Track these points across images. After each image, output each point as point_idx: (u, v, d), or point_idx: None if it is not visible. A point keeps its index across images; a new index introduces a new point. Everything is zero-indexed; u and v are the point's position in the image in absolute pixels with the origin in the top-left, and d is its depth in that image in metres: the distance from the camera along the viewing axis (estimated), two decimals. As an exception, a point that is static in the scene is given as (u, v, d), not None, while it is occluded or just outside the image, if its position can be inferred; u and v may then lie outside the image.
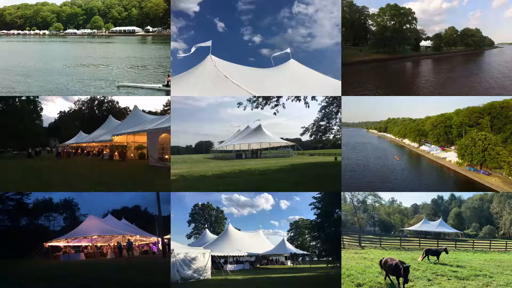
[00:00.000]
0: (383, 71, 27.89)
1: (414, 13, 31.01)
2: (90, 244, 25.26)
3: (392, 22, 30.54)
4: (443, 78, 26.27)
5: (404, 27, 30.86)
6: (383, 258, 13.78)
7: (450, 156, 25.17)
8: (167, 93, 22.71)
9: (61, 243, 25.01)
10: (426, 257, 18.30)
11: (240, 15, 24.73)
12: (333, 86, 19.08)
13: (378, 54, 29.90)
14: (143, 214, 31.80)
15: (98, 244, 25.52)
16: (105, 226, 25.88)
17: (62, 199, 30.96)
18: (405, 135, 35.14)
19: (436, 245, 24.80)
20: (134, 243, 25.38)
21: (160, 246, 24.34)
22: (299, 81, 21.08)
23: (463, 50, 33.24)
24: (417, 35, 32.10)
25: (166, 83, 22.47)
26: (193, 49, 20.59)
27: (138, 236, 26.61)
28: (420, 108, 32.00)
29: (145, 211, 32.32)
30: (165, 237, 22.99)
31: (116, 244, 24.89)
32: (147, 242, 26.99)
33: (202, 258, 18.56)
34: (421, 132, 31.78)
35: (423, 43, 33.04)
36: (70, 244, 25.08)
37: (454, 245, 24.74)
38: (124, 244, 24.18)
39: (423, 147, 30.48)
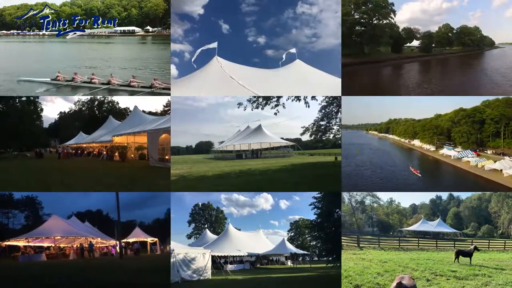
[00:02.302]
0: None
1: (392, 4, 25.10)
2: (53, 245, 25.07)
3: (357, 15, 24.11)
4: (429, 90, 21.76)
5: (376, 21, 24.97)
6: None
7: (508, 168, 18.12)
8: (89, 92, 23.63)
9: (20, 243, 24.52)
10: (457, 258, 17.81)
11: (244, 16, 24.83)
12: (337, 86, 19.15)
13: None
14: (104, 218, 32.29)
15: (61, 245, 25.45)
16: (69, 227, 25.83)
17: (24, 196, 29.79)
18: (414, 135, 28.52)
19: (435, 246, 24.96)
20: (95, 245, 26.00)
21: (117, 248, 25.08)
22: (306, 82, 21.20)
23: (459, 51, 29.45)
24: (408, 33, 27.33)
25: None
26: (198, 51, 21.04)
27: (99, 238, 27.12)
28: (423, 108, 27.02)
29: (106, 215, 32.86)
30: (122, 240, 25.19)
31: (78, 246, 25.15)
32: (107, 245, 27.60)
33: (202, 258, 18.70)
34: (439, 130, 24.82)
35: (413, 43, 28.55)
36: (31, 244, 24.70)
37: (453, 245, 24.85)
38: (86, 246, 24.81)
39: (444, 151, 23.58)
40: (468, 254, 17.92)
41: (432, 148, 25.23)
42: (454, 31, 28.98)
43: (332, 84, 19.80)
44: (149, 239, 28.73)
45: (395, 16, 25.74)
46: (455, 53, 29.56)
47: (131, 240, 28.25)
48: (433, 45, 28.89)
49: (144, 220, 31.47)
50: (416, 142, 27.92)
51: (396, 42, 27.48)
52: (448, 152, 23.05)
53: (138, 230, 29.10)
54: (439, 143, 24.71)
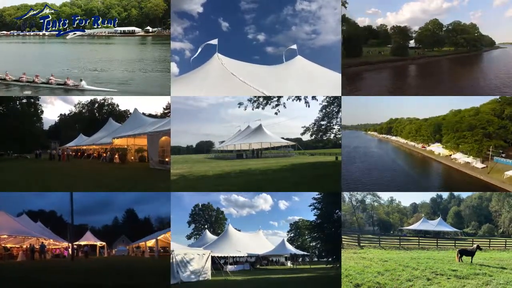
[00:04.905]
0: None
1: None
2: (-3, 244, 22.90)
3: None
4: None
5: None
6: None
7: None
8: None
9: (-45, 242, 22.07)
10: (461, 258, 17.58)
11: (244, 14, 24.96)
12: (338, 82, 19.03)
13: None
14: (58, 220, 32.53)
15: (8, 246, 23.49)
16: (18, 226, 23.72)
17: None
18: (432, 136, 20.29)
19: (436, 245, 24.91)
20: (47, 247, 25.36)
21: (70, 251, 25.07)
22: (307, 78, 21.06)
23: (451, 52, 23.68)
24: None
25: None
26: (200, 49, 21.02)
27: (51, 240, 26.76)
28: (426, 108, 23.05)
29: (60, 217, 33.18)
30: (74, 243, 25.26)
31: (28, 246, 23.39)
32: (59, 247, 27.55)
33: (200, 259, 18.61)
34: (490, 130, 15.62)
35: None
36: (-31, 243, 22.32)
37: (454, 244, 24.83)
38: (37, 247, 23.68)
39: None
40: (471, 253, 17.81)
41: (477, 163, 14.74)
42: (444, 29, 23.92)
43: (333, 80, 19.64)
44: (98, 243, 29.98)
45: (346, 6, 19.42)
46: (443, 55, 23.88)
47: (82, 243, 29.06)
48: (418, 45, 23.71)
49: (95, 225, 33.91)
50: (437, 149, 19.49)
51: (352, 43, 21.04)
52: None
53: (89, 234, 30.21)
54: (488, 152, 14.68)
